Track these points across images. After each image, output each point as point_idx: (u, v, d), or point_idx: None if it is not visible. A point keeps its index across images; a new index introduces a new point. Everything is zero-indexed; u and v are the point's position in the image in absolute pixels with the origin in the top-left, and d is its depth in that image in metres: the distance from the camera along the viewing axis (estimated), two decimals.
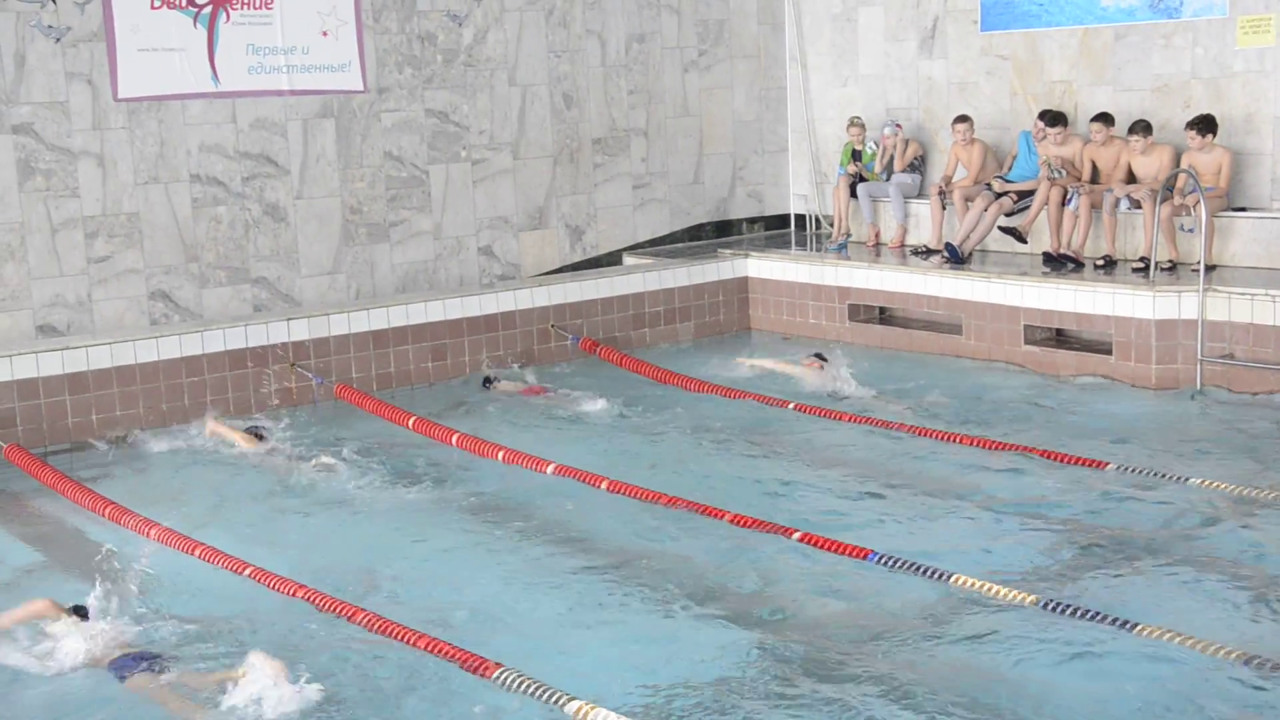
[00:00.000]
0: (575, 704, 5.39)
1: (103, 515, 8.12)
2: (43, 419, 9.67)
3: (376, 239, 12.06)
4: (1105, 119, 11.60)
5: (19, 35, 10.34)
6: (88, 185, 10.68)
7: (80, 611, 6.22)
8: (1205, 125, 10.96)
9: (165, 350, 10.18)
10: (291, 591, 6.76)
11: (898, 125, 13.21)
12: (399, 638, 6.14)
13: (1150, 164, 11.29)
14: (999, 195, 12.04)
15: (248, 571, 7.04)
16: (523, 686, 5.57)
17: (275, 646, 6.24)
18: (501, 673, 5.69)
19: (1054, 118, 11.83)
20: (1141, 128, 11.27)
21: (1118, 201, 11.38)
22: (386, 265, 12.12)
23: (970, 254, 12.00)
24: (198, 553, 7.37)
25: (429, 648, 6.00)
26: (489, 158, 12.63)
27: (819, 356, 10.96)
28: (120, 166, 10.81)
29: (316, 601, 6.62)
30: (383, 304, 11.28)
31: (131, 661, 5.88)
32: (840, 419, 9.71)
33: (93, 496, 8.36)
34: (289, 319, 10.75)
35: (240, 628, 6.48)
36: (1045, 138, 11.86)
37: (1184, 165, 10.98)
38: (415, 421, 9.81)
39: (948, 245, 12.08)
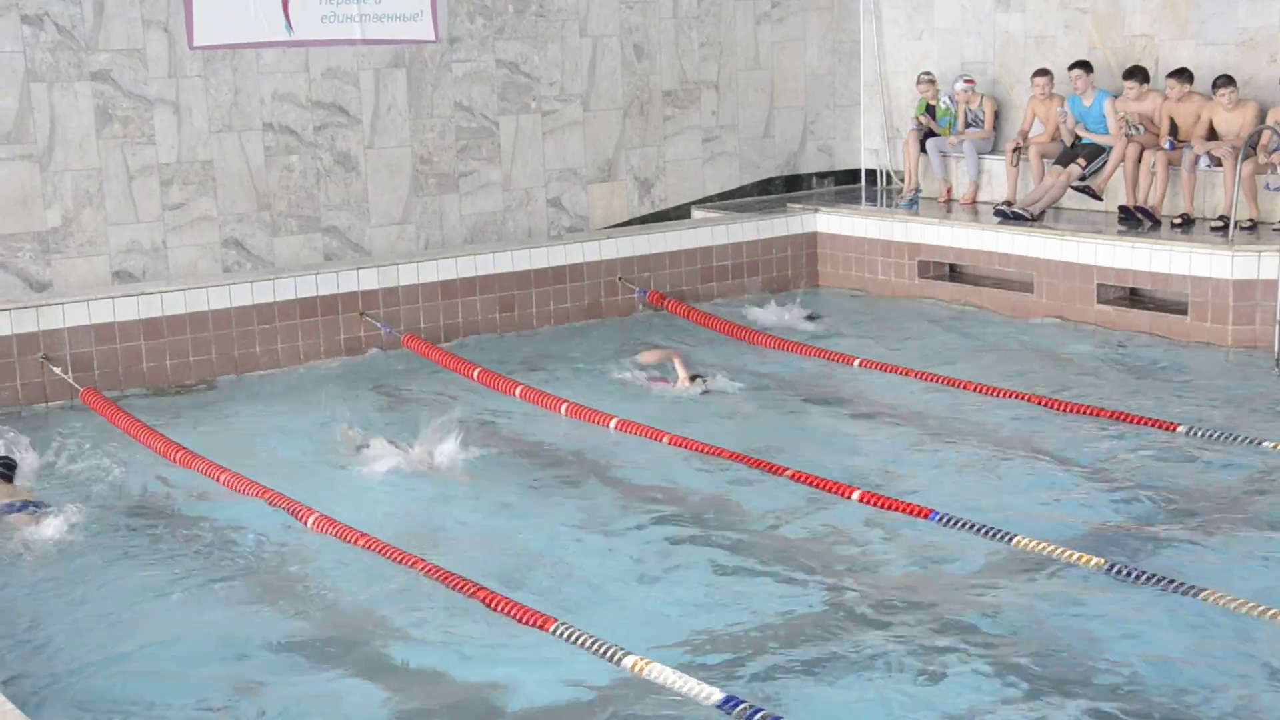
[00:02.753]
0: (631, 659, 5.42)
1: (174, 460, 8.25)
2: (119, 363, 9.84)
3: (446, 189, 12.11)
4: (1183, 74, 11.35)
5: None
6: (163, 133, 10.81)
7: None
8: None
9: (238, 297, 10.31)
10: (354, 540, 6.84)
11: (969, 80, 13.01)
12: (458, 588, 6.20)
13: (1234, 120, 11.03)
14: (1068, 163, 11.82)
15: (312, 520, 7.13)
16: (579, 640, 5.60)
17: (337, 592, 6.36)
18: (558, 626, 5.73)
19: (1132, 71, 11.60)
20: (1225, 82, 11.00)
21: (1197, 159, 11.14)
22: (455, 216, 12.17)
23: (1042, 214, 11.81)
24: (265, 497, 7.48)
25: (487, 600, 6.05)
26: (559, 109, 12.61)
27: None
28: (195, 114, 10.92)
29: (380, 550, 6.69)
30: (451, 254, 11.33)
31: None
32: (907, 375, 9.63)
33: (165, 442, 8.50)
34: (359, 268, 10.84)
35: (292, 569, 6.60)
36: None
37: (1270, 121, 10.71)
38: (480, 373, 9.87)
39: (997, 210, 11.93)
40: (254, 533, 7.12)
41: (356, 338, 10.74)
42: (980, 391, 9.14)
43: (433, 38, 11.91)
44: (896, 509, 7.03)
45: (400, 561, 6.55)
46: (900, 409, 8.97)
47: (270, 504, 7.41)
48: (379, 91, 11.69)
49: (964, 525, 6.75)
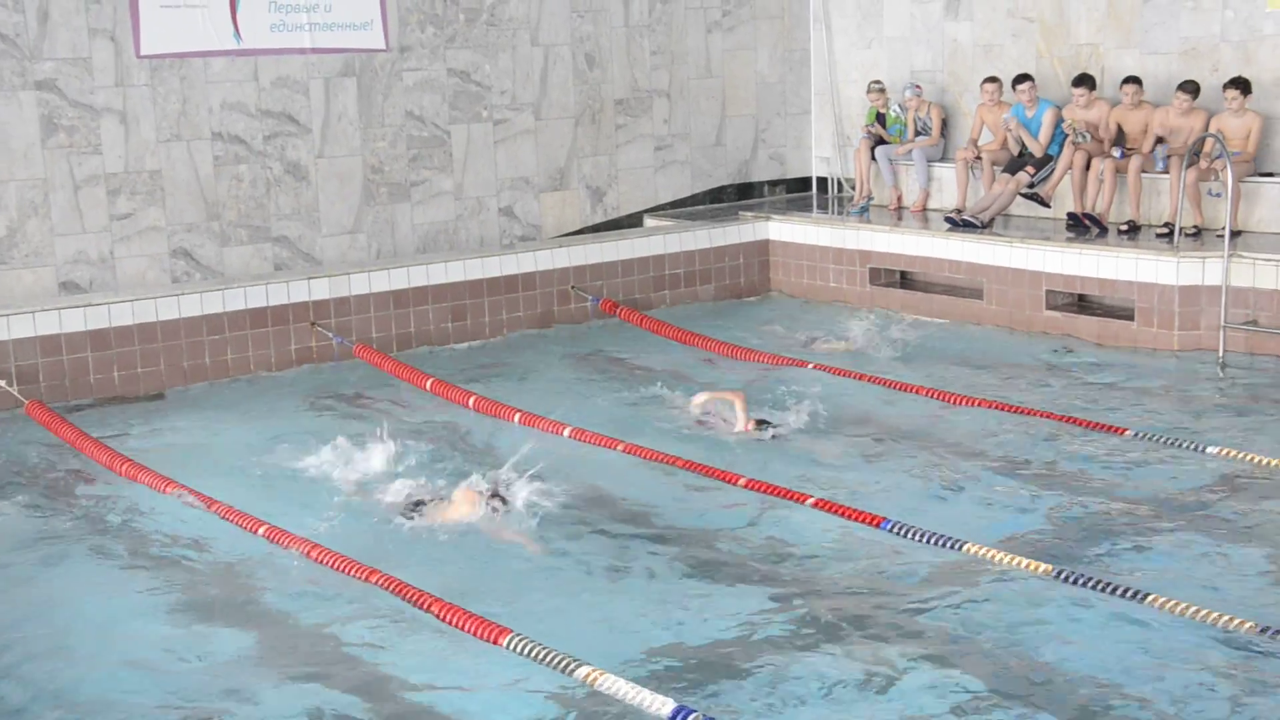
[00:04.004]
0: (584, 669, 5.40)
1: (119, 473, 8.17)
2: (65, 375, 9.73)
3: (397, 199, 12.06)
4: (1137, 82, 11.48)
5: None
6: (110, 142, 10.70)
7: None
8: (1247, 86, 10.81)
9: (186, 308, 10.23)
10: (308, 552, 6.79)
11: (918, 87, 13.10)
12: (410, 600, 6.17)
13: (1185, 126, 11.16)
14: (1017, 171, 11.93)
15: (262, 530, 7.08)
16: (532, 652, 5.58)
17: (285, 605, 6.31)
18: (511, 639, 5.70)
19: (1081, 79, 11.72)
20: (1191, 89, 11.10)
21: (1154, 159, 11.21)
22: (407, 225, 12.12)
23: (991, 221, 11.91)
24: (212, 509, 7.42)
25: (441, 614, 6.02)
26: (510, 118, 12.59)
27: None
28: (142, 124, 10.82)
29: (331, 562, 6.65)
30: (403, 264, 11.30)
31: None
32: (860, 379, 9.68)
33: (110, 453, 8.41)
34: (309, 278, 10.78)
35: (256, 584, 6.54)
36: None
37: (1213, 129, 10.86)
38: (433, 384, 9.84)
39: (948, 218, 12.03)
40: (199, 543, 7.06)
41: (308, 348, 10.68)
42: (932, 397, 9.20)
43: (383, 46, 11.86)
44: (849, 516, 7.06)
45: (351, 574, 6.51)
46: (853, 415, 9.01)
47: (220, 515, 7.34)
48: (329, 100, 11.64)
49: (914, 534, 6.78)
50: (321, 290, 10.76)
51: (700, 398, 8.89)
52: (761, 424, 8.59)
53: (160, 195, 10.95)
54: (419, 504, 7.27)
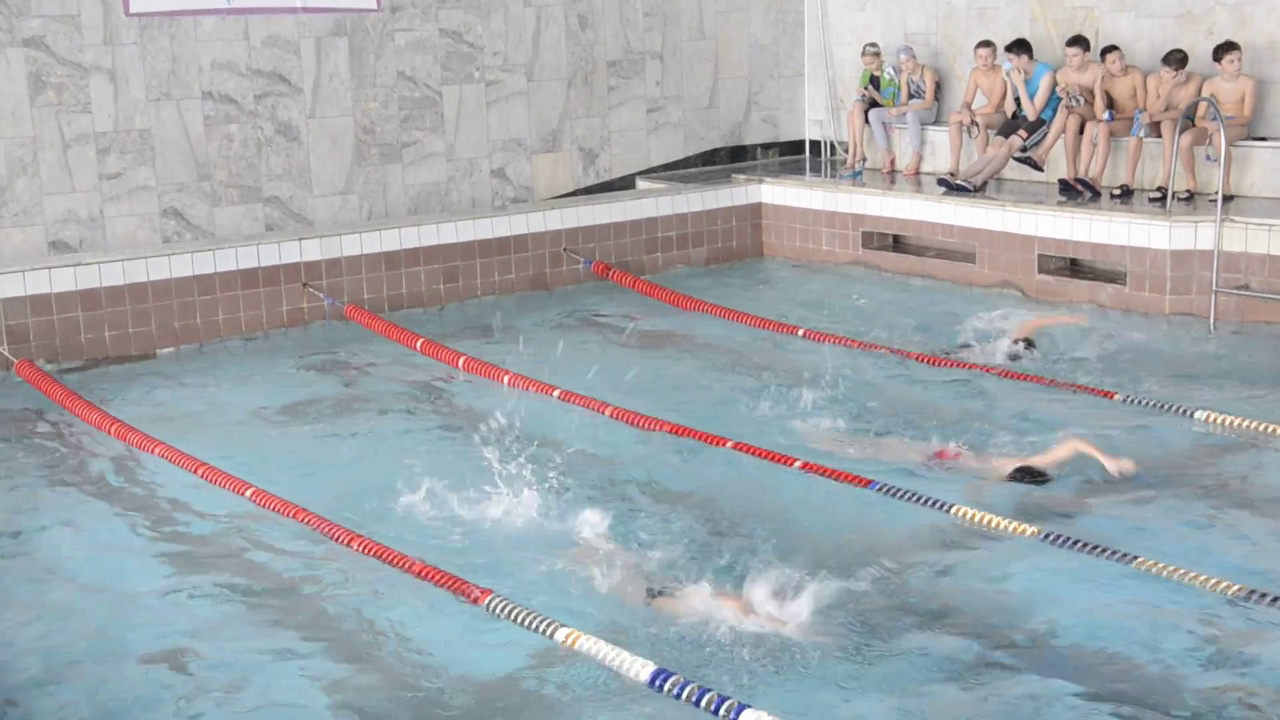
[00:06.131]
0: (564, 631, 5.41)
1: (110, 433, 8.17)
2: (56, 335, 9.71)
3: (389, 160, 12.01)
4: (1116, 50, 11.43)
5: None
6: (99, 101, 10.65)
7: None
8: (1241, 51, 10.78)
9: (177, 268, 10.19)
10: (291, 514, 6.80)
11: (911, 50, 13.04)
12: (392, 563, 6.18)
13: (1178, 93, 11.11)
14: (1010, 134, 11.90)
15: (249, 493, 7.08)
16: (512, 614, 5.59)
17: (268, 564, 6.33)
18: (491, 600, 5.72)
19: (1075, 39, 11.67)
20: (1175, 61, 11.03)
21: (1139, 125, 11.18)
22: (399, 186, 12.08)
23: (984, 185, 11.89)
24: (200, 472, 7.41)
25: (422, 573, 6.02)
26: (503, 79, 12.53)
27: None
28: (132, 82, 10.76)
29: (313, 524, 6.65)
30: (394, 225, 11.27)
31: None
32: (850, 345, 9.68)
33: (101, 415, 8.41)
34: (301, 239, 10.75)
35: (235, 547, 6.56)
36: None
37: (1207, 93, 10.83)
38: (423, 344, 9.83)
39: (940, 181, 12.00)
40: (190, 505, 7.07)
41: (299, 309, 10.66)
42: (921, 361, 9.21)
43: (374, 6, 11.79)
44: (838, 478, 7.07)
45: (333, 536, 6.51)
46: (843, 378, 9.00)
47: (207, 479, 7.34)
48: (320, 60, 11.57)
49: (903, 495, 6.80)
50: (313, 251, 10.72)
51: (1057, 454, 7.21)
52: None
53: (150, 155, 10.90)
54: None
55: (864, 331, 9.95)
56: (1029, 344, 9.19)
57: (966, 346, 9.47)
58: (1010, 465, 7.09)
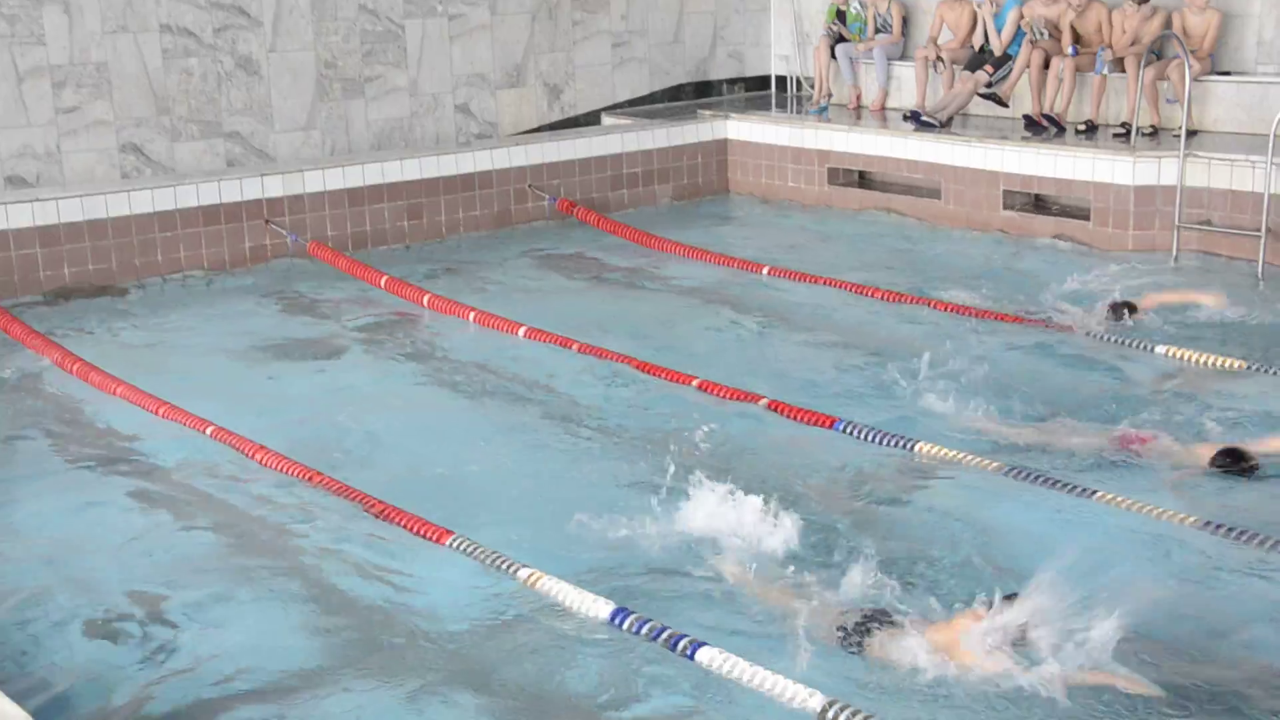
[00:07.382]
0: (526, 571, 5.42)
1: (71, 372, 8.10)
2: (14, 271, 9.60)
3: (351, 95, 11.88)
4: None
5: None
6: (54, 33, 10.46)
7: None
8: None
9: (137, 204, 10.08)
10: (252, 453, 6.77)
11: None
12: (357, 501, 6.17)
13: (1145, 29, 11.09)
14: (976, 69, 11.86)
15: (209, 430, 7.05)
16: (474, 553, 5.60)
17: (232, 504, 6.31)
18: (454, 539, 5.73)
19: None
20: None
21: (1103, 62, 11.17)
22: (362, 122, 11.96)
23: (949, 121, 11.87)
24: (160, 410, 7.37)
25: (384, 514, 6.03)
26: (466, 13, 12.39)
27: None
28: (87, 14, 10.57)
29: (276, 464, 6.64)
30: (358, 161, 11.15)
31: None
32: (814, 282, 9.68)
33: (61, 352, 8.34)
34: (263, 175, 10.63)
35: (193, 483, 6.53)
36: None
37: (1176, 26, 10.81)
38: (387, 281, 9.78)
39: (913, 113, 11.96)
40: (150, 444, 7.03)
41: (262, 245, 10.56)
42: (887, 299, 9.22)
43: None
44: (801, 418, 7.09)
45: (297, 475, 6.50)
46: (809, 317, 9.03)
47: (164, 416, 7.30)
48: None
49: (867, 434, 6.83)
50: (275, 187, 10.61)
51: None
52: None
53: (107, 88, 10.74)
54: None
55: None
56: (1131, 309, 8.46)
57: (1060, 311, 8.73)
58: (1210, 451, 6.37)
